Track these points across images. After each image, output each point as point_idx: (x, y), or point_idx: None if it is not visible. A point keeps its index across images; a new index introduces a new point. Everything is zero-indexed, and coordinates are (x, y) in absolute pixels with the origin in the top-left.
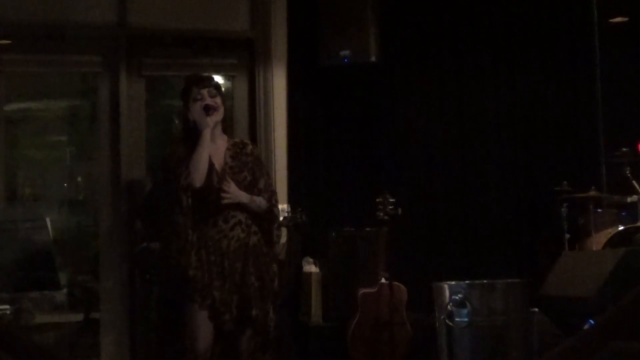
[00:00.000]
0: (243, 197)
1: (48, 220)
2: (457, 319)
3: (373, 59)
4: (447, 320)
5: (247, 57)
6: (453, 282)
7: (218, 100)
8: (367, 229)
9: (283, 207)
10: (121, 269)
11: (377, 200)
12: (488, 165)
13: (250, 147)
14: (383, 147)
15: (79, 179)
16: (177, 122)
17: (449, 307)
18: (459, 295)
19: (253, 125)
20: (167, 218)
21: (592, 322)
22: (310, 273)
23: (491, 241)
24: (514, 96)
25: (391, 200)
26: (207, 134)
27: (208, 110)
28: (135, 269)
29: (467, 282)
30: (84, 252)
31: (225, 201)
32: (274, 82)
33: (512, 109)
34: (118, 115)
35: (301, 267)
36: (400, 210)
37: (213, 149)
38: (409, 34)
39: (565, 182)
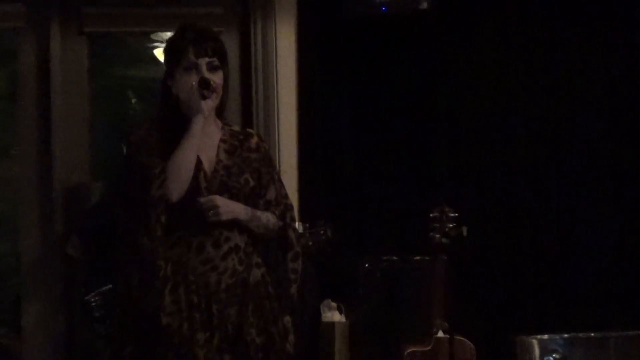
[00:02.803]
0: (241, 211)
1: None
2: None
3: (424, 5)
4: None
5: (239, 5)
6: (545, 336)
7: (219, 76)
8: (417, 257)
9: None
10: (55, 318)
11: (432, 215)
12: (593, 164)
13: (255, 139)
14: (438, 137)
15: None
16: (133, 100)
17: None
18: (555, 355)
19: (247, 105)
20: (128, 239)
21: None
22: (333, 323)
23: (598, 275)
24: (634, 62)
25: (452, 215)
26: (198, 125)
27: (206, 87)
28: (78, 317)
29: (565, 335)
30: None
31: (213, 218)
32: (278, 43)
33: (631, 82)
34: (48, 91)
35: (320, 315)
36: (465, 230)
37: (202, 139)
38: None
39: None
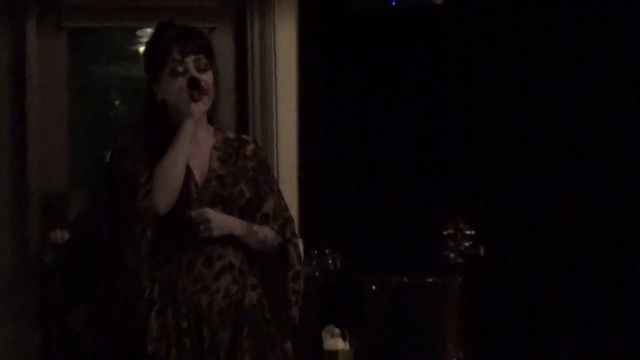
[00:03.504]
0: (235, 226)
1: None
2: None
3: (439, 0)
4: None
5: None
6: None
7: (209, 76)
8: (429, 279)
9: None
10: (29, 340)
11: (445, 232)
12: (626, 174)
13: (251, 146)
14: (452, 144)
15: None
16: (117, 102)
17: None
18: None
19: (243, 109)
20: (111, 255)
21: None
22: (336, 351)
23: (631, 303)
24: None
25: (468, 232)
26: (189, 130)
27: (196, 87)
28: (55, 339)
29: None
30: None
31: (204, 233)
32: (277, 39)
33: None
34: (24, 92)
35: (321, 342)
36: (482, 250)
37: (192, 146)
38: None
39: None
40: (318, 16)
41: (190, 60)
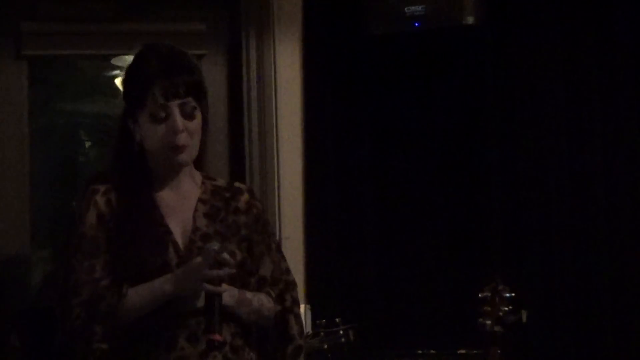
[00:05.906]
0: (225, 294)
1: None
2: None
3: (470, 20)
4: None
5: (227, 20)
6: None
7: (196, 121)
8: (461, 351)
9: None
10: None
11: (481, 295)
12: None
13: (245, 196)
14: (488, 191)
15: None
16: (87, 144)
17: None
18: None
19: (237, 150)
20: (77, 338)
21: None
22: None
23: None
24: None
25: (507, 295)
26: (167, 291)
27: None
28: None
29: None
30: None
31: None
32: (278, 68)
33: None
34: None
35: None
36: (525, 316)
37: (174, 199)
38: None
39: None
40: (326, 41)
41: (175, 105)
